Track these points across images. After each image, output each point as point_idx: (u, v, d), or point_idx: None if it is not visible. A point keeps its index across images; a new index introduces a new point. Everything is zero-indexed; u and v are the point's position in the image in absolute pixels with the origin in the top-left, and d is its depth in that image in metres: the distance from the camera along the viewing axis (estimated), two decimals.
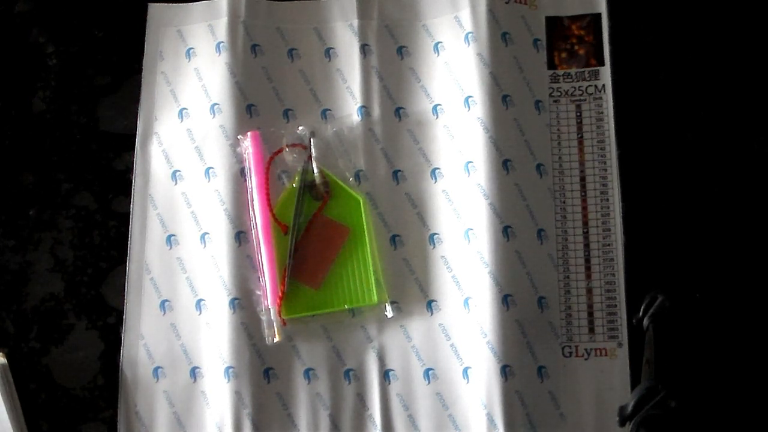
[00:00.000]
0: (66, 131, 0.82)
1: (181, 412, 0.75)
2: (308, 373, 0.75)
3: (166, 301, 0.77)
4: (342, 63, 0.81)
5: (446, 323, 0.75)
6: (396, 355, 0.75)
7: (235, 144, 0.78)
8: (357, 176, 0.78)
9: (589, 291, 0.75)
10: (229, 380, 0.73)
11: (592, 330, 0.74)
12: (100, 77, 0.83)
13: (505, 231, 0.74)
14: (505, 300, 0.73)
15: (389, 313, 0.75)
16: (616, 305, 0.74)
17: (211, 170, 0.78)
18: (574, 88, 0.79)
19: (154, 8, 0.83)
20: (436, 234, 0.77)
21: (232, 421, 0.73)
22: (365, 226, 0.76)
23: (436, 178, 0.78)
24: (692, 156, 0.77)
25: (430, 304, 0.76)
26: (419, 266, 0.76)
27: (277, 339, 0.74)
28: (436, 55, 0.80)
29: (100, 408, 0.76)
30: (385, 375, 0.75)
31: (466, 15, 0.79)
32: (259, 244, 0.75)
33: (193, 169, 0.79)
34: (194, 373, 0.75)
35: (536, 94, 0.79)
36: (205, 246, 0.77)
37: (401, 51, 0.81)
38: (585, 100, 0.79)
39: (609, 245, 0.76)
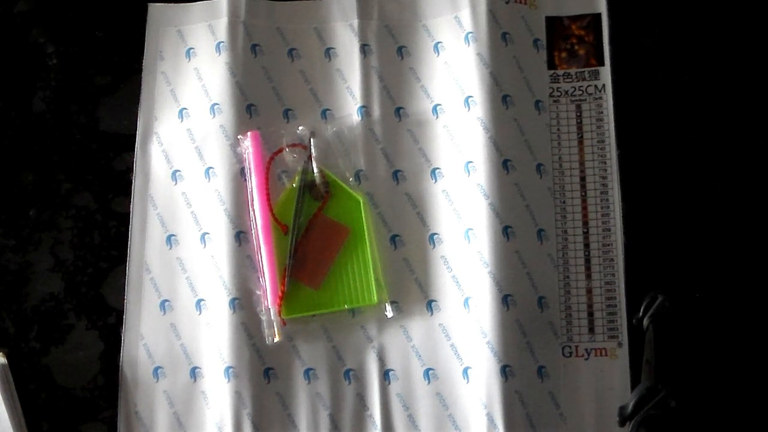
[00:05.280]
0: (66, 131, 0.82)
1: (181, 412, 0.75)
2: (308, 373, 0.75)
3: (166, 301, 0.77)
4: (342, 63, 0.81)
5: (446, 323, 0.75)
6: (396, 355, 0.75)
7: (235, 144, 0.78)
8: (357, 176, 0.78)
9: (589, 291, 0.75)
10: (229, 380, 0.73)
11: (592, 330, 0.74)
12: (100, 77, 0.83)
13: (505, 231, 0.74)
14: (505, 300, 0.73)
15: (389, 313, 0.75)
16: (616, 305, 0.74)
17: (211, 170, 0.78)
18: (574, 88, 0.79)
19: (154, 8, 0.83)
20: (436, 234, 0.77)
21: (232, 421, 0.73)
22: (365, 226, 0.76)
23: (436, 178, 0.78)
24: (692, 156, 0.77)
25: (430, 304, 0.76)
26: (419, 266, 0.76)
27: (277, 339, 0.74)
28: (436, 55, 0.80)
29: (100, 408, 0.76)
30: (385, 375, 0.75)
31: (466, 15, 0.79)
32: (259, 244, 0.75)
33: (193, 169, 0.79)
34: (194, 373, 0.75)
35: (536, 94, 0.79)
36: (205, 246, 0.77)
37: (401, 51, 0.81)
38: (585, 100, 0.79)
39: (609, 245, 0.75)
